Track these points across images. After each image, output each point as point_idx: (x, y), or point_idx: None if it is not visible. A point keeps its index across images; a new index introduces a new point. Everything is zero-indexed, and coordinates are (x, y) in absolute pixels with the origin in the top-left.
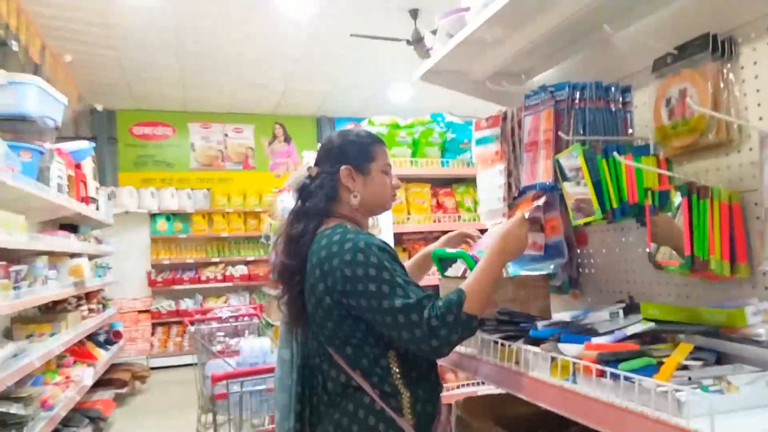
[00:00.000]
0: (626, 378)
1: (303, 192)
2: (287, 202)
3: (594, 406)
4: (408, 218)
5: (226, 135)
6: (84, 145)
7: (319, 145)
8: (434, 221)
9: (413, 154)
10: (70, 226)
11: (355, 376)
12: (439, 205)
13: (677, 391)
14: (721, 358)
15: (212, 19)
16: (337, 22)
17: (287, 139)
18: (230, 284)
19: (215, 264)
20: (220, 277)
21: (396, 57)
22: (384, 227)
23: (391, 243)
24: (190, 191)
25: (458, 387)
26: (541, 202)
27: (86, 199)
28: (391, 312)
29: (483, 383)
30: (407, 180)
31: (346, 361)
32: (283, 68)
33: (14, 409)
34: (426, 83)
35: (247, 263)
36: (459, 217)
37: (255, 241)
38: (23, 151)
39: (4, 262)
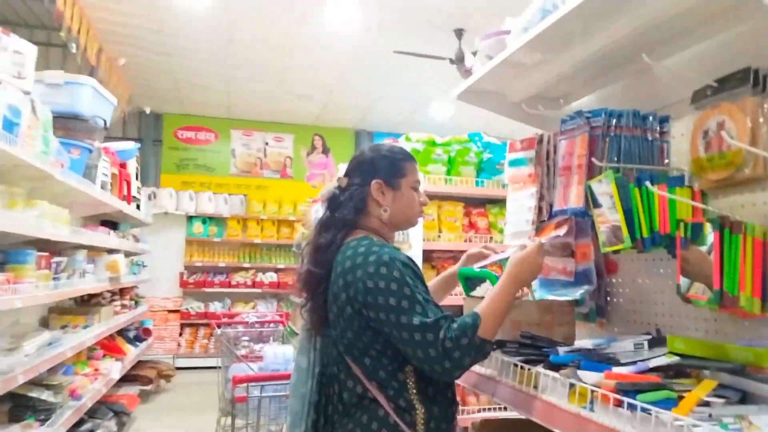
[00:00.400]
0: (643, 409)
1: (332, 202)
2: (321, 212)
3: None
4: (439, 236)
5: (266, 143)
6: (130, 145)
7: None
8: (465, 240)
9: (448, 172)
10: (111, 222)
11: (371, 387)
12: (471, 225)
13: (695, 426)
14: (746, 398)
15: (262, 30)
16: (382, 37)
17: (325, 151)
18: (259, 290)
19: (246, 269)
20: (249, 282)
21: (438, 75)
22: (414, 243)
23: (420, 259)
24: (227, 196)
25: (479, 411)
26: (562, 232)
27: (128, 198)
28: (408, 328)
29: (504, 409)
30: (441, 198)
31: (363, 371)
32: (326, 80)
33: (45, 395)
34: (466, 103)
35: (277, 271)
36: (491, 238)
37: (287, 249)
38: (73, 148)
39: (47, 254)
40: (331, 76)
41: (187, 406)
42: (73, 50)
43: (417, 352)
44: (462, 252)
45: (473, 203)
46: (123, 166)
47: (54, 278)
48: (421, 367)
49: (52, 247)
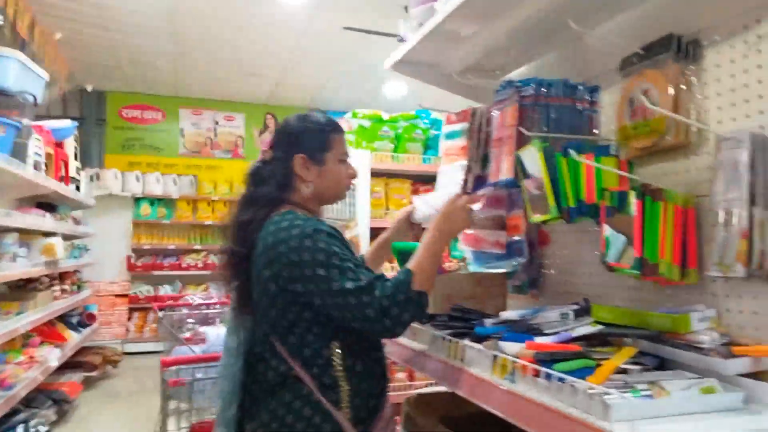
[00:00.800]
0: (559, 378)
1: (255, 177)
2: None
3: (526, 406)
4: (386, 213)
5: (217, 123)
6: (66, 123)
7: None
8: None
9: (395, 149)
10: (49, 205)
11: (295, 366)
12: None
13: (606, 394)
14: (663, 364)
15: (209, 5)
16: (331, 14)
17: None
18: (211, 272)
19: (197, 251)
20: (201, 264)
21: (390, 53)
22: (361, 221)
23: (368, 237)
24: (176, 177)
25: (427, 386)
26: (477, 207)
27: (66, 179)
28: (342, 294)
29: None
30: (388, 175)
31: (287, 350)
32: (277, 58)
33: None
34: (402, 75)
35: None
36: None
37: None
38: None
39: None
40: (283, 54)
41: (134, 391)
42: (0, 22)
43: (355, 315)
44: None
45: (421, 180)
46: (59, 145)
47: None
48: (363, 330)
49: None
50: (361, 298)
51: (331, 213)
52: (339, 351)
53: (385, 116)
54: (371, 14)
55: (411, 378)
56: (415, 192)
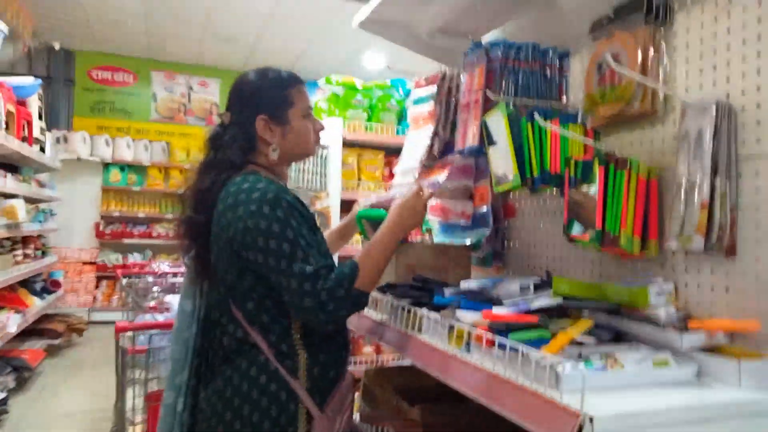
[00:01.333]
0: (513, 348)
1: (215, 141)
2: None
3: (479, 377)
4: (358, 185)
5: (191, 88)
6: (29, 81)
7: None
8: (385, 190)
9: (369, 119)
10: (11, 166)
11: (252, 332)
12: (392, 175)
13: (558, 364)
14: (620, 337)
15: None
16: None
17: None
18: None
19: (169, 220)
20: (172, 234)
21: None
22: (332, 192)
23: (338, 209)
24: (147, 143)
25: (394, 359)
26: (442, 177)
27: (29, 139)
28: (286, 275)
29: None
30: (360, 145)
31: (245, 315)
32: (254, 23)
33: None
34: (400, 48)
35: None
36: None
37: None
38: None
39: None
40: (259, 18)
41: (99, 360)
42: None
43: (294, 300)
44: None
45: (394, 152)
46: (21, 103)
47: None
48: (296, 316)
49: None
50: (303, 285)
51: (301, 183)
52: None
53: (359, 84)
54: None
55: (378, 351)
56: (389, 164)
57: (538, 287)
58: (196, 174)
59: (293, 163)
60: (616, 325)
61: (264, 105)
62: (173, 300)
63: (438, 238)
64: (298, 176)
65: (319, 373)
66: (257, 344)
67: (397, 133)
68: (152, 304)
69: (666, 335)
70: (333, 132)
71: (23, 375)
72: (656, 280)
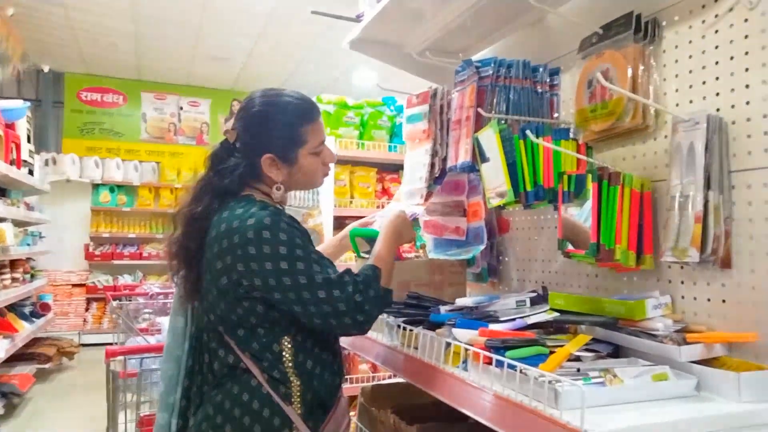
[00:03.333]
0: (510, 366)
1: (216, 163)
2: None
3: (477, 395)
4: (351, 202)
5: (181, 108)
6: (18, 104)
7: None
8: (378, 207)
9: (360, 136)
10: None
11: (244, 358)
12: (385, 191)
13: (557, 381)
14: (618, 351)
15: None
16: None
17: None
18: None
19: (159, 240)
20: (163, 254)
21: None
22: (325, 209)
23: (331, 226)
24: (137, 163)
25: (390, 377)
26: (419, 210)
27: (17, 162)
28: (310, 288)
29: None
30: (353, 162)
31: (236, 342)
32: (244, 43)
33: None
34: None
35: None
36: None
37: None
38: None
39: None
40: (249, 38)
41: (90, 384)
42: None
43: (324, 309)
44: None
45: (386, 168)
46: (10, 126)
47: None
48: (327, 325)
49: None
50: (332, 292)
51: (293, 201)
52: (290, 347)
53: (351, 102)
54: None
55: (374, 369)
56: (381, 180)
57: (534, 302)
58: (190, 195)
59: None
60: (613, 339)
61: (273, 143)
62: (164, 321)
63: (432, 254)
64: (289, 193)
65: (313, 398)
66: (249, 370)
67: (389, 149)
68: (143, 325)
69: (664, 348)
70: None
71: (12, 401)
72: (653, 293)
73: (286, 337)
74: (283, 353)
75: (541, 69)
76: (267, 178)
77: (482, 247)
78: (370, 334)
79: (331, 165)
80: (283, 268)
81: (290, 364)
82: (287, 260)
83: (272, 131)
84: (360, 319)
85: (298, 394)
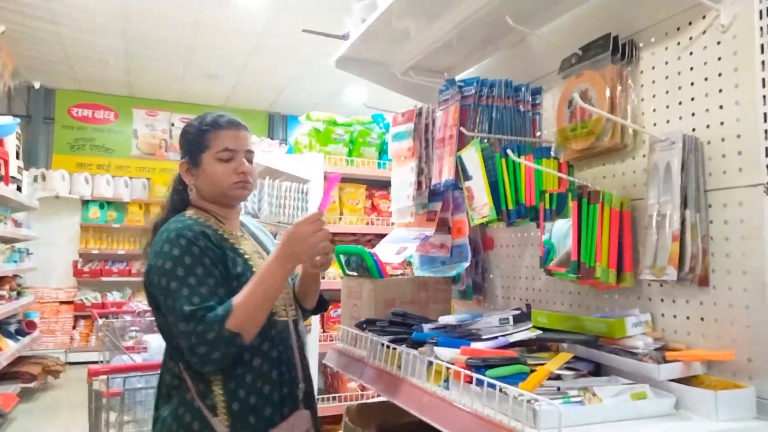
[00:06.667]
0: (490, 385)
1: (174, 180)
2: None
3: (457, 414)
4: (340, 218)
5: (173, 124)
6: (7, 120)
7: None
8: (367, 223)
9: (350, 153)
10: None
11: (183, 369)
12: (374, 208)
13: (535, 400)
14: (599, 370)
15: (161, 4)
16: (290, 16)
17: None
18: None
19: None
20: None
21: None
22: None
23: None
24: (127, 179)
25: (379, 395)
26: (399, 261)
27: (5, 179)
28: (172, 312)
29: None
30: (342, 179)
31: (172, 353)
32: (236, 60)
33: None
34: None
35: None
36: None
37: None
38: None
39: None
40: (240, 56)
41: (75, 404)
42: None
43: (179, 341)
44: (365, 235)
45: (376, 185)
46: None
47: None
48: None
49: None
50: (179, 325)
51: (282, 217)
52: None
53: (340, 119)
54: (331, 17)
55: (363, 388)
56: (370, 197)
57: (517, 320)
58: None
59: (272, 198)
60: (594, 357)
61: (185, 149)
62: (151, 339)
63: (418, 270)
64: (278, 210)
65: (241, 409)
66: (186, 382)
67: (378, 166)
68: (129, 343)
69: (644, 367)
70: (314, 166)
71: None
72: (633, 311)
73: None
74: None
75: (523, 88)
76: (189, 186)
77: (466, 264)
78: (354, 352)
79: (252, 179)
80: (162, 285)
81: (218, 373)
82: (167, 277)
83: (184, 139)
84: (195, 361)
85: (223, 404)
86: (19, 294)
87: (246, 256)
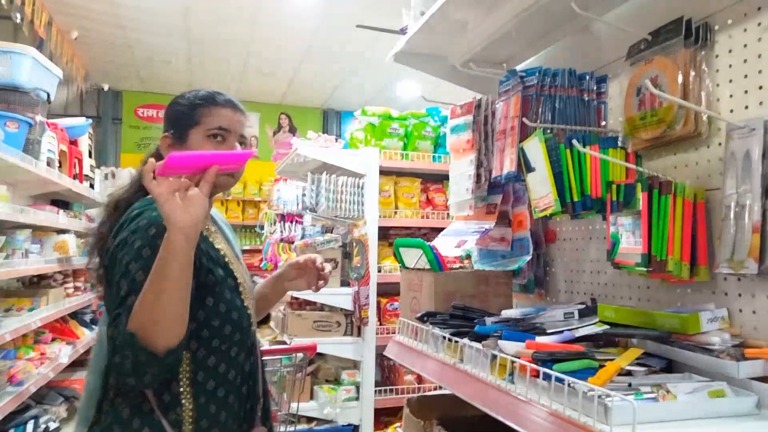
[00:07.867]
0: (558, 379)
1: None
2: (284, 191)
3: (523, 408)
4: (395, 212)
5: None
6: (80, 121)
7: None
8: (422, 217)
9: (405, 147)
10: (63, 202)
11: None
12: (429, 201)
13: (607, 396)
14: (671, 366)
15: (220, 3)
16: (344, 12)
17: (292, 130)
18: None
19: None
20: None
21: None
22: (369, 220)
23: (376, 236)
24: None
25: (435, 388)
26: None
27: (80, 177)
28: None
29: None
30: (397, 173)
31: None
32: (291, 58)
33: None
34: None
35: (243, 252)
36: (448, 214)
37: (252, 230)
38: (10, 121)
39: None
40: (296, 53)
41: None
42: (17, 20)
43: None
44: (420, 229)
45: (431, 179)
46: (74, 143)
47: None
48: None
49: None
50: (110, 328)
51: (339, 212)
52: (187, 362)
53: (395, 113)
54: (384, 12)
55: (420, 380)
56: (425, 191)
57: (582, 314)
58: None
59: (329, 193)
60: (666, 353)
61: (170, 122)
62: None
63: (478, 264)
64: (335, 205)
65: (211, 426)
66: (143, 390)
67: (434, 159)
68: None
69: (721, 364)
70: (369, 160)
71: (74, 404)
72: (708, 306)
73: (186, 352)
74: (180, 372)
75: (587, 77)
76: None
77: (528, 257)
78: (414, 344)
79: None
80: (114, 280)
81: (187, 383)
82: (121, 273)
83: (170, 111)
84: (114, 376)
85: (190, 420)
86: (92, 286)
87: (226, 259)
